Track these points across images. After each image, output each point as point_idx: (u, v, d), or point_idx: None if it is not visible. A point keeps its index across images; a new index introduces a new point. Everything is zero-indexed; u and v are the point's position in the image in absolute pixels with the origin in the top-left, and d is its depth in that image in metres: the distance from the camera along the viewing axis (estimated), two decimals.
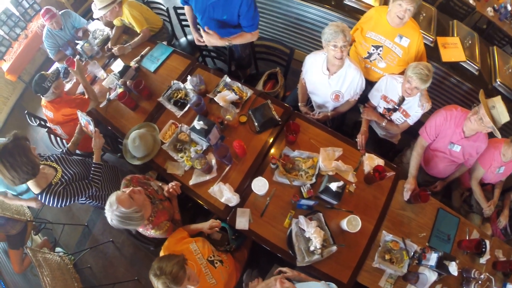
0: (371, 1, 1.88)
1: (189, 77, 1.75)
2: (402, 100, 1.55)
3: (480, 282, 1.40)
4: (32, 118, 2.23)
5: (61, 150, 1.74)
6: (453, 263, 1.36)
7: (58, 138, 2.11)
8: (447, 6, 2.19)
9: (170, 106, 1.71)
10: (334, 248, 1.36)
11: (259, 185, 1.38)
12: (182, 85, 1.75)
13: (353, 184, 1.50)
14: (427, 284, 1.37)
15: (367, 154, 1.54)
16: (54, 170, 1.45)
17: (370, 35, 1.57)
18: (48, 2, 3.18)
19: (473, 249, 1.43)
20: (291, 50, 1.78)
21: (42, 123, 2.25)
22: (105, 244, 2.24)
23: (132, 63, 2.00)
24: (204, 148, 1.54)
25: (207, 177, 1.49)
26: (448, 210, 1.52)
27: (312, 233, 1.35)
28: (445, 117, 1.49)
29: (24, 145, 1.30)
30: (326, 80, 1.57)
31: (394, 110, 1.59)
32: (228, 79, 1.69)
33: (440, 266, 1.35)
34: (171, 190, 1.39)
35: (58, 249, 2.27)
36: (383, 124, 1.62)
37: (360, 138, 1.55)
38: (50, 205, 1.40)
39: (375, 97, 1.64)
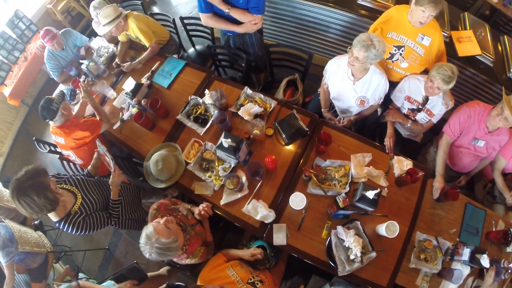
0: (385, 0, 1.74)
1: (207, 91, 1.59)
2: (426, 100, 1.47)
3: (510, 271, 1.38)
4: (41, 145, 2.01)
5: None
6: (484, 255, 1.33)
7: (71, 163, 1.92)
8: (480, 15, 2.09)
9: (190, 124, 1.56)
10: (374, 254, 1.30)
11: (297, 201, 1.28)
12: (200, 100, 1.60)
13: (385, 189, 1.42)
14: (462, 278, 1.33)
15: (396, 157, 1.46)
16: (73, 197, 1.31)
17: (392, 35, 1.46)
18: (45, 22, 2.92)
19: (501, 239, 1.41)
20: (309, 56, 1.65)
21: (53, 148, 2.04)
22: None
23: (144, 80, 1.81)
24: (233, 165, 1.42)
25: (239, 195, 1.38)
26: (475, 203, 1.48)
27: (351, 242, 1.27)
28: (468, 114, 1.42)
29: (42, 184, 1.17)
30: (351, 86, 1.47)
31: (419, 110, 1.51)
32: (249, 91, 1.56)
33: (473, 260, 1.32)
34: (202, 212, 1.28)
35: (81, 275, 2.13)
36: (408, 125, 1.55)
37: (388, 142, 1.48)
38: (69, 232, 1.29)
39: (398, 98, 1.55)
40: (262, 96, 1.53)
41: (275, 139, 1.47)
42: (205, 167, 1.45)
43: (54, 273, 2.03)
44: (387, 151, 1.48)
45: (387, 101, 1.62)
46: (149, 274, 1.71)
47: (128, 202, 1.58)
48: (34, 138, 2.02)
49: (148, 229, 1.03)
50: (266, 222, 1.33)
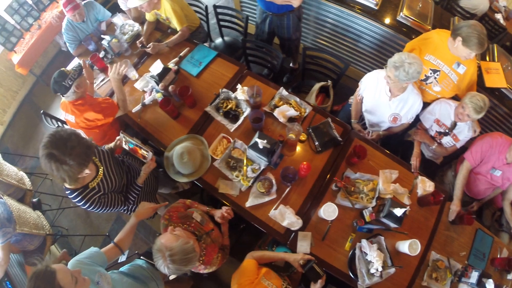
0: (423, 21, 1.70)
1: (239, 86, 1.46)
2: (454, 125, 1.46)
3: None
4: (49, 119, 1.78)
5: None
6: (490, 280, 1.34)
7: None
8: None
9: (220, 118, 1.44)
10: (393, 270, 1.27)
11: (329, 211, 1.21)
12: (232, 95, 1.46)
13: (408, 207, 1.37)
14: None
15: (420, 177, 1.43)
16: (95, 170, 1.14)
17: (429, 58, 1.43)
18: None
19: (505, 266, 1.42)
20: (345, 65, 1.56)
21: (60, 124, 1.81)
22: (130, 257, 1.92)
23: (171, 65, 1.64)
24: (262, 167, 1.31)
25: (266, 199, 1.29)
26: (485, 230, 1.48)
27: (374, 256, 1.23)
28: (490, 144, 1.42)
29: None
30: (386, 101, 1.41)
31: (446, 134, 1.49)
32: (284, 92, 1.46)
33: (479, 283, 1.32)
34: (225, 214, 1.16)
35: None
36: (433, 147, 1.52)
37: (415, 161, 1.45)
38: (78, 205, 1.13)
39: (428, 120, 1.53)
40: (297, 99, 1.44)
41: (308, 145, 1.38)
42: (233, 165, 1.33)
43: (50, 257, 1.82)
44: (412, 170, 1.44)
45: (414, 121, 1.58)
46: None
47: (146, 190, 1.43)
48: (42, 112, 1.80)
49: (156, 245, 0.91)
50: (292, 229, 1.24)
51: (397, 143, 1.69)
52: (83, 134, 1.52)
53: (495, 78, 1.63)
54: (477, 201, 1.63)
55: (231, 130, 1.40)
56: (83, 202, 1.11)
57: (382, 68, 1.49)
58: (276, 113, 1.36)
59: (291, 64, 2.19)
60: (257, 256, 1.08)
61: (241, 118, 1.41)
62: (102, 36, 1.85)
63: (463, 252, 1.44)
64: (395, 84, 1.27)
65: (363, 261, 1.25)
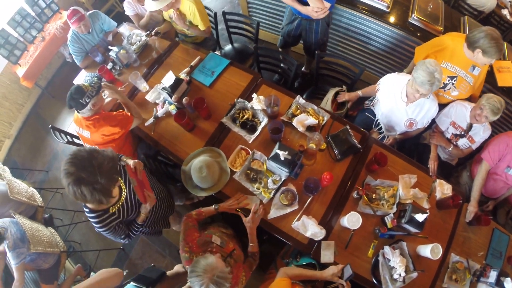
0: (434, 22, 1.65)
1: (255, 95, 1.41)
2: (470, 127, 1.43)
3: None
4: (58, 134, 1.71)
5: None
6: (508, 279, 1.34)
7: None
8: (487, 23, 2.07)
9: (237, 129, 1.39)
10: (415, 274, 1.25)
11: (353, 220, 1.18)
12: (248, 104, 1.41)
13: (427, 210, 1.35)
14: None
15: (438, 180, 1.40)
16: (119, 193, 1.08)
17: (446, 65, 1.40)
18: (66, 1, 2.54)
19: None
20: (360, 70, 1.52)
21: (70, 139, 1.74)
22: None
23: (183, 75, 1.58)
24: (283, 178, 1.27)
25: (288, 210, 1.26)
26: (501, 229, 1.47)
27: (397, 262, 1.21)
28: (507, 143, 1.42)
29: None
30: (403, 106, 1.38)
31: (462, 136, 1.47)
32: (301, 100, 1.41)
33: (498, 283, 1.31)
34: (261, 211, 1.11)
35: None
36: (450, 149, 1.49)
37: (433, 165, 1.42)
38: (94, 225, 1.06)
39: (443, 122, 1.50)
40: (315, 107, 1.39)
41: (327, 154, 1.34)
42: (253, 177, 1.29)
43: (65, 274, 1.78)
44: (430, 174, 1.42)
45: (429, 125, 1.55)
46: (168, 272, 1.54)
47: (158, 215, 1.36)
48: (50, 126, 1.73)
49: (207, 260, 0.87)
50: (315, 239, 1.22)
51: (412, 146, 1.66)
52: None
53: (507, 77, 1.60)
54: (493, 200, 1.61)
55: (250, 142, 1.35)
56: (100, 225, 1.04)
57: (395, 71, 1.45)
58: (295, 122, 1.32)
59: (303, 69, 2.13)
60: (292, 274, 1.03)
61: (259, 129, 1.36)
62: (109, 47, 1.78)
63: (481, 252, 1.43)
64: (424, 97, 1.25)
65: (386, 267, 1.23)
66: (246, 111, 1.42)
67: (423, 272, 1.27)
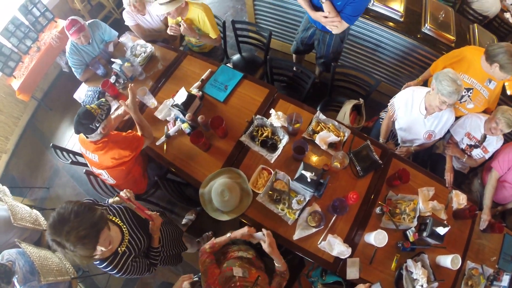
0: (446, 31, 1.63)
1: (273, 111, 1.34)
2: (484, 138, 1.44)
3: None
4: (60, 153, 1.58)
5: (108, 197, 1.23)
6: None
7: (99, 179, 1.54)
8: (490, 25, 2.08)
9: (258, 148, 1.33)
10: (436, 284, 1.28)
11: (380, 238, 1.18)
12: (267, 121, 1.34)
13: (445, 221, 1.36)
14: None
15: (453, 191, 1.41)
16: (120, 232, 1.00)
17: (463, 77, 1.40)
18: (61, 9, 2.38)
19: None
20: (376, 82, 1.48)
21: (74, 158, 1.62)
22: None
23: (194, 91, 1.48)
24: (308, 198, 1.23)
25: (313, 230, 1.22)
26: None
27: (420, 274, 1.22)
28: None
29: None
30: (421, 119, 1.36)
31: (476, 146, 1.48)
32: (322, 116, 1.36)
33: (510, 286, 1.35)
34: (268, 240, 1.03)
35: None
36: (464, 159, 1.50)
37: (449, 176, 1.43)
38: (112, 274, 0.98)
39: (458, 133, 1.51)
40: (336, 123, 1.35)
41: (349, 170, 1.31)
42: (276, 198, 1.25)
43: None
44: (447, 185, 1.42)
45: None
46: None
47: (169, 237, 1.29)
48: (51, 145, 1.60)
49: None
50: (342, 257, 1.20)
51: (426, 156, 1.66)
52: (106, 175, 1.37)
53: None
54: (501, 206, 1.65)
55: (272, 161, 1.29)
56: (116, 270, 0.96)
57: (408, 81, 1.41)
58: (317, 140, 1.27)
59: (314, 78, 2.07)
60: None
61: (280, 147, 1.31)
62: (112, 59, 1.65)
63: (493, 257, 1.46)
64: (450, 107, 1.25)
65: (409, 280, 1.24)
66: (265, 128, 1.36)
67: (443, 282, 1.29)
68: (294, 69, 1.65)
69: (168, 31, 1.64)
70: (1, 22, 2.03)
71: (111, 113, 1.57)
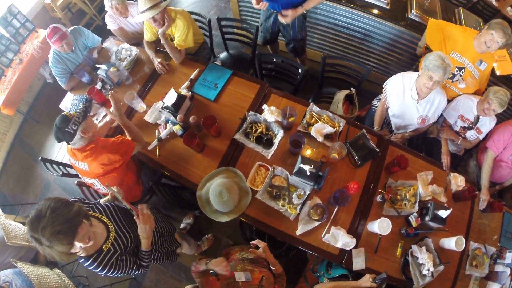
0: (433, 16, 1.63)
1: (266, 107, 1.31)
2: (477, 119, 1.45)
3: None
4: (50, 165, 1.51)
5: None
6: None
7: (91, 189, 1.49)
8: (474, 8, 2.09)
9: (253, 145, 1.29)
10: (442, 267, 1.28)
11: (384, 226, 1.16)
12: (261, 117, 1.30)
13: (445, 204, 1.35)
14: (506, 279, 1.36)
15: (451, 174, 1.40)
16: (106, 229, 0.97)
17: (455, 55, 1.38)
18: (42, 19, 2.31)
19: None
20: (367, 71, 1.46)
21: (64, 170, 1.55)
22: None
23: (184, 91, 1.43)
24: (308, 192, 1.20)
25: (316, 224, 1.20)
26: (511, 212, 1.51)
27: (425, 258, 1.22)
28: (511, 132, 1.40)
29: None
30: (414, 104, 1.36)
31: (470, 128, 1.49)
32: (315, 108, 1.34)
33: None
34: (260, 250, 1.00)
35: None
36: (459, 142, 1.50)
37: (446, 159, 1.42)
38: (95, 271, 0.94)
39: (451, 116, 1.51)
40: (330, 114, 1.33)
41: (347, 160, 1.29)
42: (276, 194, 1.21)
43: None
44: (444, 168, 1.41)
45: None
46: None
47: (162, 234, 1.24)
48: (40, 158, 1.53)
49: None
50: (346, 249, 1.17)
51: (420, 141, 1.66)
52: (98, 184, 1.31)
53: (505, 66, 1.62)
54: (499, 185, 1.65)
55: (268, 157, 1.26)
56: (100, 268, 0.92)
57: (397, 68, 1.39)
58: (313, 132, 1.24)
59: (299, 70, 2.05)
60: None
61: (276, 142, 1.27)
62: (97, 65, 1.58)
63: (495, 236, 1.47)
64: (437, 85, 1.22)
65: (415, 265, 1.23)
66: (259, 125, 1.33)
67: (449, 264, 1.28)
68: (281, 61, 1.61)
69: (148, 43, 1.58)
70: None
71: (99, 120, 1.52)
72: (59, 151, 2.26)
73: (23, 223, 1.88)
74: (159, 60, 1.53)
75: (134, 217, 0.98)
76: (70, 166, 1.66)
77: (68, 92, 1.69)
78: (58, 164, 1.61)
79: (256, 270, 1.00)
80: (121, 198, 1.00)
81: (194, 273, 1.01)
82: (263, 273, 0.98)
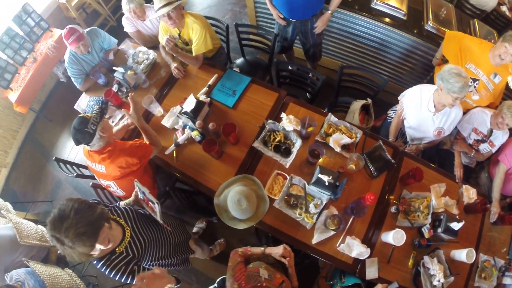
0: (449, 27, 1.66)
1: (284, 115, 1.33)
2: (490, 132, 1.47)
3: None
4: (64, 166, 1.53)
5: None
6: None
7: (106, 191, 1.50)
8: (488, 19, 2.13)
9: (271, 154, 1.32)
10: (452, 278, 1.31)
11: (398, 237, 1.19)
12: (280, 126, 1.33)
13: (457, 216, 1.38)
14: None
15: (464, 186, 1.43)
16: (121, 231, 0.98)
17: (470, 66, 1.41)
18: (56, 18, 2.33)
19: None
20: (384, 82, 1.48)
21: (78, 171, 1.57)
22: None
23: (202, 97, 1.45)
24: (325, 202, 1.22)
25: (331, 233, 1.22)
26: None
27: (437, 270, 1.24)
28: None
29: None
30: (430, 117, 1.38)
31: (483, 141, 1.50)
32: (333, 118, 1.35)
33: None
34: (287, 254, 1.05)
35: None
36: (472, 154, 1.52)
37: (459, 172, 1.44)
38: (106, 274, 0.94)
39: (465, 129, 1.53)
40: (347, 124, 1.35)
41: (363, 171, 1.32)
42: (293, 203, 1.24)
43: None
44: (457, 181, 1.44)
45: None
46: None
47: (177, 241, 1.26)
48: (54, 158, 1.55)
49: None
50: (361, 258, 1.20)
51: (433, 153, 1.68)
52: (115, 186, 1.34)
53: None
54: (510, 197, 1.68)
55: (287, 166, 1.28)
56: (108, 270, 0.92)
57: (413, 78, 1.41)
58: (331, 143, 1.27)
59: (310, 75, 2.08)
60: None
61: (294, 152, 1.30)
62: (114, 67, 1.60)
63: (504, 249, 1.50)
64: (461, 100, 1.26)
65: (426, 276, 1.26)
66: (277, 133, 1.35)
67: (459, 275, 1.31)
68: (297, 69, 1.64)
69: (164, 48, 1.55)
70: None
71: (115, 123, 1.54)
72: (71, 150, 2.29)
73: (34, 221, 1.91)
74: (175, 64, 1.55)
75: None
76: (84, 166, 1.69)
77: (83, 93, 1.71)
78: (72, 164, 1.64)
79: (278, 274, 1.03)
80: (148, 193, 1.02)
81: (237, 255, 1.04)
82: (283, 279, 1.02)
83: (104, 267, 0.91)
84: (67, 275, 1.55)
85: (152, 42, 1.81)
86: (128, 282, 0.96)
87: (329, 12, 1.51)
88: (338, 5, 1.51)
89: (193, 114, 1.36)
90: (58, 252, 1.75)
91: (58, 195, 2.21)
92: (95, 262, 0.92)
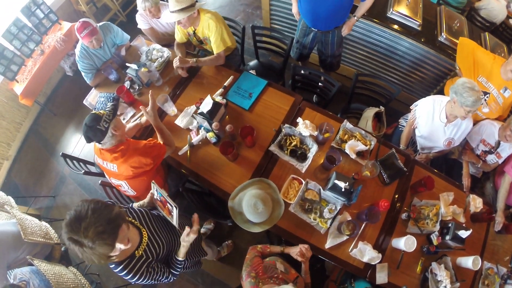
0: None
1: (300, 120, 1.35)
2: (498, 144, 1.53)
3: None
4: (70, 162, 1.52)
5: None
6: None
7: (115, 190, 1.49)
8: (496, 32, 2.19)
9: (287, 158, 1.34)
10: (458, 284, 1.36)
11: (409, 243, 1.23)
12: (296, 131, 1.35)
13: (464, 224, 1.43)
14: None
15: (471, 195, 1.48)
16: (139, 235, 0.97)
17: (482, 80, 1.46)
18: (65, 11, 2.31)
19: None
20: (397, 90, 1.52)
21: (85, 168, 1.55)
22: None
23: (218, 98, 1.46)
24: (339, 207, 1.25)
25: (344, 238, 1.25)
26: None
27: (444, 276, 1.28)
28: None
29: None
30: (441, 127, 1.42)
31: (490, 152, 1.55)
32: (348, 125, 1.38)
33: None
34: (304, 252, 1.08)
35: None
36: (479, 165, 1.57)
37: (467, 181, 1.49)
38: (125, 278, 0.95)
39: (474, 140, 1.58)
40: (362, 132, 1.38)
41: (376, 178, 1.35)
42: (308, 208, 1.26)
43: None
44: (464, 190, 1.49)
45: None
46: None
47: (193, 243, 1.22)
48: (61, 154, 1.55)
49: None
50: (372, 263, 1.24)
51: (441, 161, 1.73)
52: (126, 186, 1.33)
53: None
54: None
55: (303, 171, 1.30)
56: (131, 275, 0.92)
57: (425, 89, 1.44)
58: (347, 149, 1.30)
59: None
60: None
61: (310, 157, 1.32)
62: (127, 64, 1.59)
63: (506, 257, 1.56)
64: (473, 112, 1.30)
65: (434, 281, 1.30)
66: (294, 138, 1.37)
67: (464, 282, 1.36)
68: (309, 73, 1.66)
69: (178, 47, 1.57)
70: (3, 24, 1.92)
71: (126, 120, 1.53)
72: (76, 145, 2.27)
73: (37, 216, 1.88)
74: (177, 64, 1.50)
75: (186, 227, 1.00)
76: (91, 163, 1.67)
77: (93, 89, 1.69)
78: (79, 160, 1.62)
79: (293, 271, 1.07)
80: (167, 195, 1.01)
81: (256, 251, 1.07)
82: (297, 275, 1.06)
83: (126, 272, 0.90)
84: (72, 274, 1.54)
85: (165, 40, 1.80)
86: (148, 282, 0.96)
87: (355, 18, 1.53)
88: (364, 12, 1.54)
89: (210, 115, 1.37)
90: (62, 249, 1.74)
91: (61, 191, 2.18)
92: (113, 266, 0.91)
